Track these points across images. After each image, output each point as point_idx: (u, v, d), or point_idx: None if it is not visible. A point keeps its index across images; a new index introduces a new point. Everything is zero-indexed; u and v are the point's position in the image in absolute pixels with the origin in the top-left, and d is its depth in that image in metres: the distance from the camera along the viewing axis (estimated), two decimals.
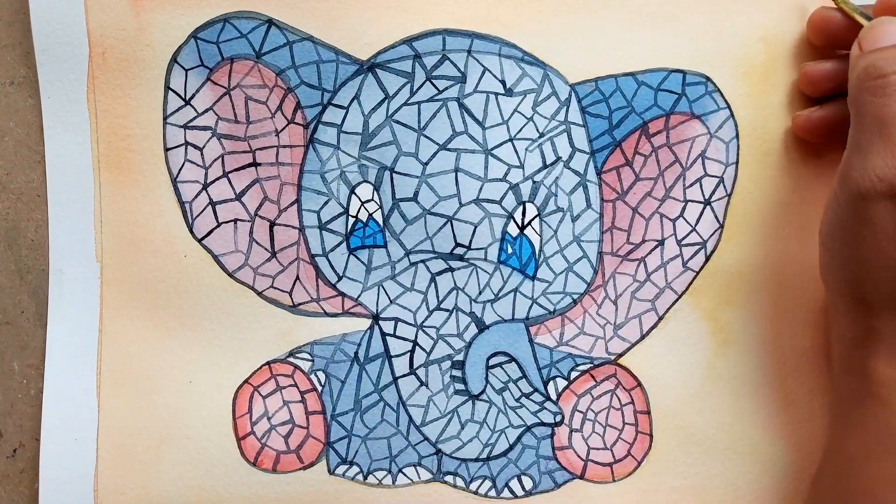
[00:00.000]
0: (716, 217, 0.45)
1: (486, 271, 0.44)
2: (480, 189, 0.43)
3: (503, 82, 0.43)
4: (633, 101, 0.44)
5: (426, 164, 0.43)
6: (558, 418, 0.45)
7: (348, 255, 0.44)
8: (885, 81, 0.37)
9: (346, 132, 0.43)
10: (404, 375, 0.44)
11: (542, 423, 0.45)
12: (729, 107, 0.45)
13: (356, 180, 0.44)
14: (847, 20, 0.42)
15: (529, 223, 0.44)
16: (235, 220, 0.44)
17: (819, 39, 0.44)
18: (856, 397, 0.39)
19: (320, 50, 0.43)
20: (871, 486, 0.37)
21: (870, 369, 0.38)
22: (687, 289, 0.45)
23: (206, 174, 0.43)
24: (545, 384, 0.45)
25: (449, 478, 0.45)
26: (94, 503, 0.43)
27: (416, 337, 0.44)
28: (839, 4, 0.42)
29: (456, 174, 0.43)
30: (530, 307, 0.44)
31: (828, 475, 0.40)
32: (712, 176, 0.45)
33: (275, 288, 0.44)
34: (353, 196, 0.44)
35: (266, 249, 0.44)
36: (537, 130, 0.44)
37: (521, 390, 0.44)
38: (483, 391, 0.44)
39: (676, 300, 0.45)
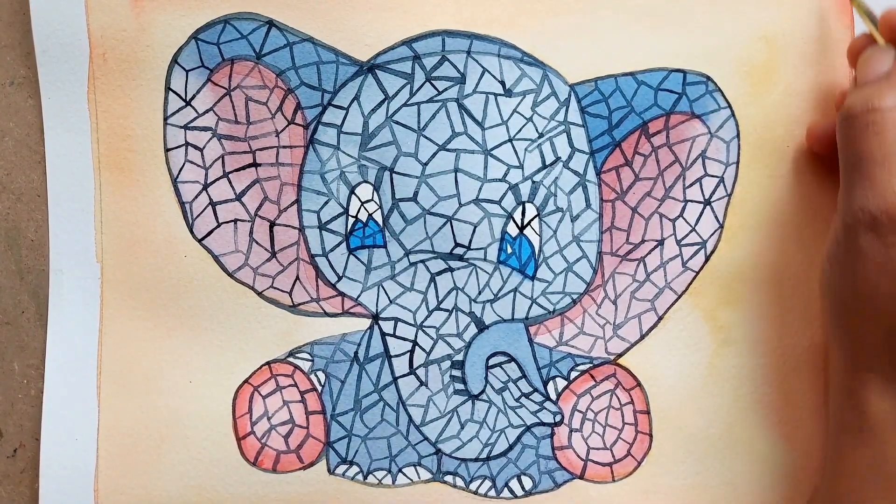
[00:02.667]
0: (716, 217, 0.45)
1: (485, 271, 0.44)
2: (480, 189, 0.43)
3: (502, 83, 0.43)
4: (632, 101, 0.44)
5: (426, 164, 0.43)
6: (558, 418, 0.45)
7: (348, 256, 0.44)
8: (857, 121, 0.38)
9: (345, 133, 0.43)
10: (404, 375, 0.44)
11: (542, 423, 0.45)
12: (730, 106, 0.45)
13: (356, 180, 0.44)
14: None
15: (529, 223, 0.44)
16: (235, 221, 0.44)
17: (819, 149, 0.44)
18: (846, 431, 0.39)
19: (320, 51, 0.43)
20: None
21: (860, 402, 0.38)
22: (686, 289, 0.45)
23: (206, 174, 0.44)
24: (545, 384, 0.45)
25: (449, 478, 0.45)
26: (94, 503, 0.43)
27: (415, 337, 0.44)
28: (853, 3, 0.43)
29: (455, 174, 0.43)
30: (530, 307, 0.44)
31: None
32: (712, 176, 0.45)
33: (275, 288, 0.44)
34: (353, 196, 0.44)
35: (266, 249, 0.44)
36: (537, 131, 0.44)
37: (520, 390, 0.44)
38: (483, 391, 0.44)
39: (676, 300, 0.45)
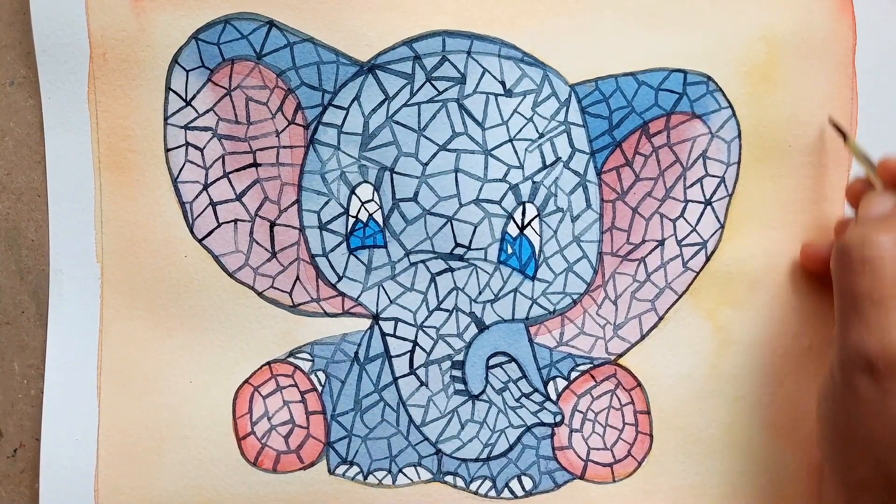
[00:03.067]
0: (716, 217, 0.45)
1: (485, 271, 0.44)
2: (480, 189, 0.43)
3: (503, 83, 0.43)
4: (633, 101, 0.44)
5: (426, 164, 0.43)
6: (558, 418, 0.45)
7: (348, 256, 0.44)
8: (851, 258, 0.37)
9: (346, 133, 0.43)
10: (404, 375, 0.44)
11: (542, 424, 0.45)
12: (731, 106, 0.45)
13: (356, 181, 0.44)
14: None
15: (529, 223, 0.44)
16: (236, 221, 0.44)
17: (813, 268, 0.44)
18: None
19: (321, 51, 0.43)
20: None
21: None
22: (687, 289, 0.45)
23: (206, 175, 0.44)
24: (545, 384, 0.45)
25: (449, 478, 0.45)
26: (94, 503, 0.43)
27: (416, 337, 0.44)
28: (848, 145, 0.43)
29: (456, 174, 0.43)
30: (530, 307, 0.44)
31: None
32: (713, 176, 0.45)
33: (275, 288, 0.44)
34: (354, 196, 0.44)
35: (266, 250, 0.44)
36: (537, 131, 0.44)
37: (520, 390, 0.44)
38: (483, 391, 0.44)
39: (676, 300, 0.45)
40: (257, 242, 0.44)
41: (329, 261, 0.44)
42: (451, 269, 0.44)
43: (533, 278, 0.44)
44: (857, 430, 0.37)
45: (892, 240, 0.37)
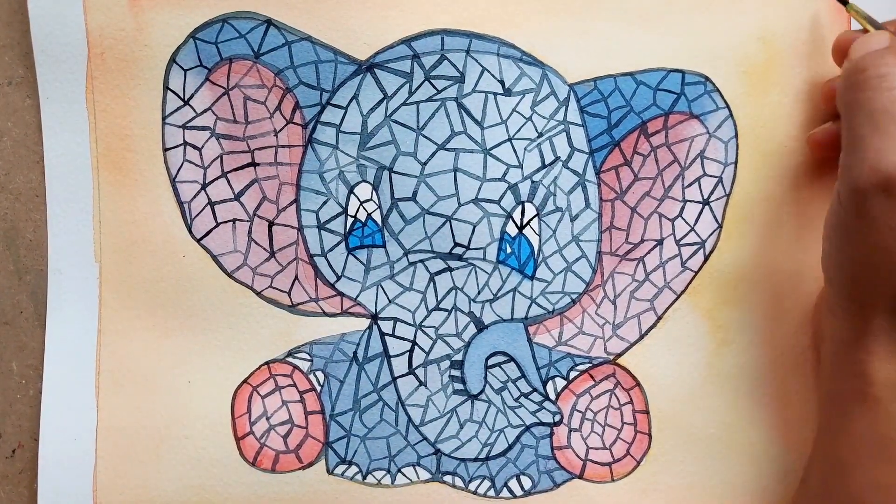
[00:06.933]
0: (714, 217, 0.45)
1: (484, 271, 0.44)
2: (479, 189, 0.43)
3: (502, 82, 0.43)
4: (631, 101, 0.44)
5: (425, 163, 0.43)
6: (557, 418, 0.45)
7: (347, 255, 0.44)
8: (867, 75, 0.37)
9: (344, 132, 0.43)
10: (403, 375, 0.44)
11: (541, 423, 0.45)
12: (728, 106, 0.45)
13: (355, 180, 0.44)
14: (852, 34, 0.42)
15: (528, 223, 0.44)
16: (234, 220, 0.44)
17: (823, 152, 0.44)
18: (847, 399, 0.39)
19: (319, 50, 0.43)
20: (860, 493, 0.37)
21: (864, 369, 0.38)
22: (686, 288, 0.45)
23: (204, 174, 0.43)
24: (544, 384, 0.45)
25: (448, 477, 0.45)
26: (92, 503, 0.43)
27: (414, 337, 0.44)
28: (850, 10, 0.43)
29: (455, 174, 0.43)
30: (529, 307, 0.44)
31: (815, 479, 0.40)
32: (711, 176, 0.45)
33: (273, 288, 0.44)
34: (352, 196, 0.44)
35: (265, 249, 0.44)
36: (536, 130, 0.44)
37: (519, 390, 0.44)
38: (482, 391, 0.44)
39: (675, 300, 0.45)
40: (256, 242, 0.44)
41: (328, 260, 0.44)
42: (450, 269, 0.44)
43: (532, 278, 0.44)
44: (872, 250, 0.37)
45: None
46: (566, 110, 0.44)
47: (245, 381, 0.44)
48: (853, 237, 0.38)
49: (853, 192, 0.37)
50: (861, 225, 0.37)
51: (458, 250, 0.44)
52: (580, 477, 0.45)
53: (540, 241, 0.44)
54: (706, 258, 0.45)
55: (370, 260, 0.44)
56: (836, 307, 0.40)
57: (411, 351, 0.44)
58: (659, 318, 0.45)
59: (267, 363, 0.44)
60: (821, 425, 0.42)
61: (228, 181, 0.44)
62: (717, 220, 0.45)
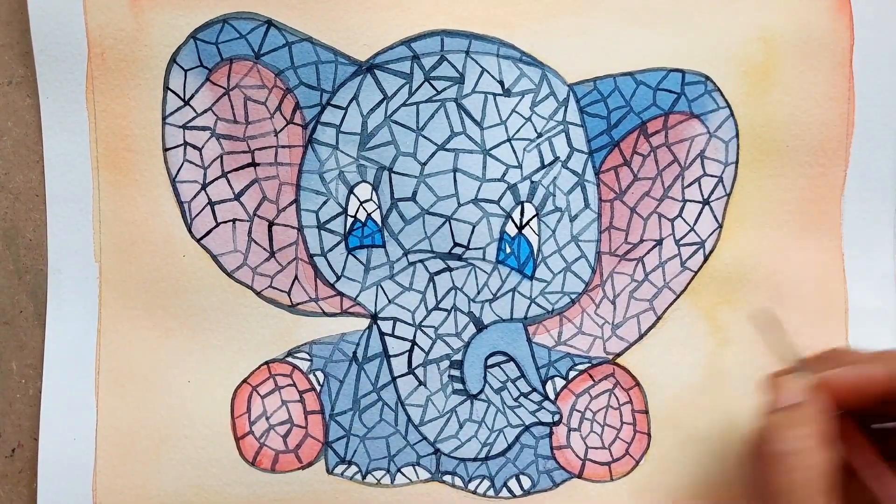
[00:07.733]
0: (714, 217, 0.45)
1: (484, 271, 0.44)
2: (479, 189, 0.43)
3: (501, 83, 0.43)
4: (631, 101, 0.44)
5: (424, 164, 0.43)
6: (556, 418, 0.45)
7: (347, 255, 0.44)
8: (773, 449, 0.35)
9: (344, 132, 0.43)
10: (403, 375, 0.44)
11: (541, 423, 0.45)
12: (729, 106, 0.45)
13: (355, 180, 0.44)
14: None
15: (528, 223, 0.44)
16: (234, 220, 0.44)
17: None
18: None
19: (319, 51, 0.43)
20: None
21: None
22: (685, 288, 0.45)
23: (204, 174, 0.44)
24: (543, 384, 0.45)
25: (447, 477, 0.45)
26: (92, 503, 0.43)
27: (414, 336, 0.44)
28: (766, 341, 0.41)
29: (454, 174, 0.43)
30: (528, 307, 0.44)
31: None
32: (711, 175, 0.45)
33: (273, 288, 0.44)
34: (352, 196, 0.44)
35: (265, 249, 0.44)
36: (535, 130, 0.44)
37: (519, 390, 0.44)
38: (481, 391, 0.44)
39: (675, 300, 0.45)
40: (256, 242, 0.44)
41: (327, 260, 0.44)
42: (450, 269, 0.44)
43: (531, 278, 0.44)
44: None
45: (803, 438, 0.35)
46: (565, 110, 0.44)
47: (245, 380, 0.44)
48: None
49: None
50: None
51: (458, 250, 0.44)
52: (579, 476, 0.45)
53: (539, 241, 0.44)
54: (706, 258, 0.45)
55: (370, 260, 0.44)
56: None
57: (411, 351, 0.44)
58: (658, 319, 0.45)
59: (266, 363, 0.44)
60: None
61: (228, 181, 0.44)
62: (717, 220, 0.45)
